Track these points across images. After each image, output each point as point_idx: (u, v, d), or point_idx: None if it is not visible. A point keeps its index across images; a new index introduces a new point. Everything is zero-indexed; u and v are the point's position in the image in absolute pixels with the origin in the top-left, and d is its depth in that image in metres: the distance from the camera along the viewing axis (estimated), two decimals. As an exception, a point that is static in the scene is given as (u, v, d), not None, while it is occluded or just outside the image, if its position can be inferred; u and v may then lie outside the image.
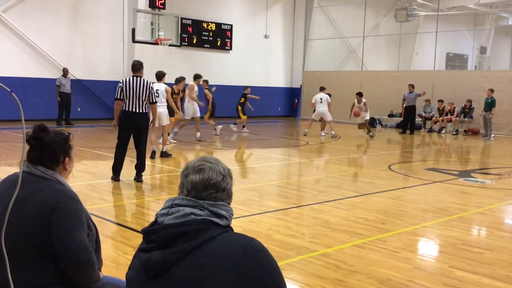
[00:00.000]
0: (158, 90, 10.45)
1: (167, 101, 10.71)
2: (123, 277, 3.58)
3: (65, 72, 16.66)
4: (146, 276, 1.72)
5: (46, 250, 2.21)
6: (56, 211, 2.22)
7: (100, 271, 2.48)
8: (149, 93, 7.62)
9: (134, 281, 1.77)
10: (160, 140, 11.04)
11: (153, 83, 8.09)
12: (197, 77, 13.37)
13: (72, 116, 17.23)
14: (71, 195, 2.33)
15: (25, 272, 2.19)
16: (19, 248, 2.18)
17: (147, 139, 7.90)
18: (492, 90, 17.06)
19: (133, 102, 7.54)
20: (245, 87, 16.83)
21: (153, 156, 10.05)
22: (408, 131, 18.10)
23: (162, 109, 10.41)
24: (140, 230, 5.19)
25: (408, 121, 18.23)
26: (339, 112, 22.88)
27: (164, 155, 10.38)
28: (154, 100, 7.79)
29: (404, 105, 18.32)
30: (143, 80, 7.62)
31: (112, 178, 7.71)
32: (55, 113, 16.50)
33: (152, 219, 5.76)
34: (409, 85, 18.36)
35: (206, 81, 15.40)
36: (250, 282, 1.63)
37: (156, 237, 1.72)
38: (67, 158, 2.42)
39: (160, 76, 10.71)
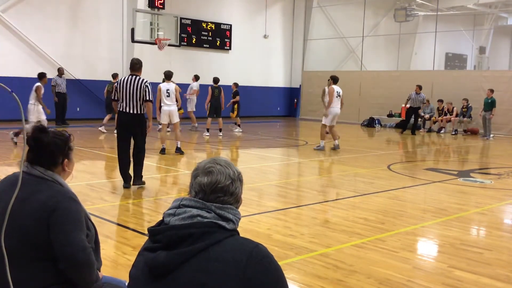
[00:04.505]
0: (168, 89, 10.91)
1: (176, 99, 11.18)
2: (122, 277, 3.57)
3: (60, 71, 16.50)
4: (150, 276, 1.71)
5: (46, 251, 2.21)
6: (55, 212, 2.22)
7: (100, 272, 2.49)
8: (142, 91, 7.05)
9: (138, 280, 1.77)
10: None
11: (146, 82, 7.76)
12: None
13: (72, 116, 17.21)
14: (71, 196, 2.33)
15: (25, 273, 2.18)
16: (19, 248, 2.18)
17: (143, 142, 7.33)
18: (492, 91, 17.05)
19: (127, 102, 7.06)
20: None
21: (162, 152, 10.74)
22: (407, 131, 18.05)
23: (173, 107, 10.96)
24: (139, 230, 5.20)
25: (409, 121, 18.17)
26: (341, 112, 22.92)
27: (178, 151, 10.73)
28: (148, 98, 7.08)
29: (409, 105, 18.08)
30: (139, 78, 7.11)
31: (123, 186, 7.26)
32: (54, 113, 16.47)
33: (151, 219, 5.71)
34: (416, 85, 18.05)
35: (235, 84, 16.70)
36: None
37: (162, 237, 1.71)
38: (66, 160, 2.41)
39: (169, 75, 11.08)
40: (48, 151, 2.34)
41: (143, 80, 7.13)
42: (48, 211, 2.21)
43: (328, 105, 12.45)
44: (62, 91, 16.45)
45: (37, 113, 11.40)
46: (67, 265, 2.20)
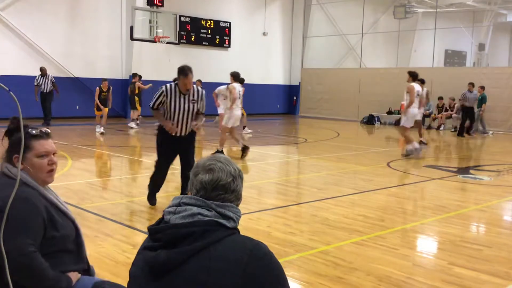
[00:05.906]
0: (240, 92, 10.48)
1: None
2: (121, 275, 3.58)
3: (42, 71, 15.45)
4: (150, 274, 1.71)
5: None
6: (1, 214, 2.06)
7: (90, 267, 2.45)
8: None
9: (138, 279, 1.76)
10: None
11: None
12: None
13: (71, 114, 17.18)
14: (24, 195, 2.20)
15: None
16: None
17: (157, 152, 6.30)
18: (482, 87, 16.96)
19: None
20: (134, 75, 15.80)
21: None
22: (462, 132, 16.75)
23: (239, 111, 10.56)
24: (138, 228, 5.20)
25: (466, 121, 16.70)
26: (339, 109, 22.94)
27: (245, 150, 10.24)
28: (150, 105, 6.07)
29: (463, 104, 16.72)
30: None
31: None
32: (52, 111, 16.38)
33: (151, 217, 5.69)
34: (469, 83, 16.70)
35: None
36: (255, 286, 1.62)
37: (162, 236, 1.71)
38: (16, 156, 2.34)
39: (240, 77, 10.63)
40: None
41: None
42: None
43: (408, 105, 11.05)
44: (45, 91, 15.39)
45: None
46: (10, 271, 2.04)
